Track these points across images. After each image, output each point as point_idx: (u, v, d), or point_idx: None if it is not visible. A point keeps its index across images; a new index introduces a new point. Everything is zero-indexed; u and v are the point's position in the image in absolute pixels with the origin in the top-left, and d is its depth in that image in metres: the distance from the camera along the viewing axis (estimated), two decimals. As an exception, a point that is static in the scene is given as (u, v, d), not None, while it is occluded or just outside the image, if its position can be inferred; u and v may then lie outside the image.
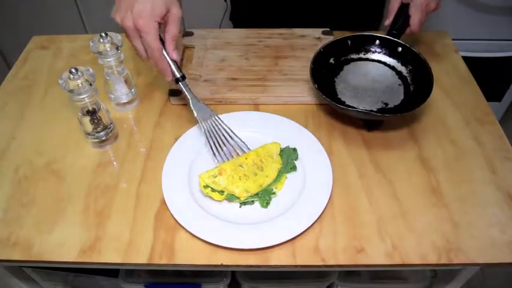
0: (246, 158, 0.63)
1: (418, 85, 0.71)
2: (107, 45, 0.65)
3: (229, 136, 0.64)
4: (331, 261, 0.54)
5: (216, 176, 0.60)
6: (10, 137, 0.69)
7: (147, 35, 0.58)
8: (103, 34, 0.65)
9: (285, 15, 0.88)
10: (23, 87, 0.79)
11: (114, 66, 0.68)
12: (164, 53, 0.61)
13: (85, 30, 1.66)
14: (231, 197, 0.60)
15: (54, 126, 0.71)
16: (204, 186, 0.59)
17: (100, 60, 0.67)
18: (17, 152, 0.67)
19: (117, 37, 0.67)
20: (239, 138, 0.64)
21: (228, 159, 0.63)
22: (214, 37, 0.86)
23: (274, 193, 0.61)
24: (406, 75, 0.74)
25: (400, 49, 0.74)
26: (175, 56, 0.62)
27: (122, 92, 0.72)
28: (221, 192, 0.59)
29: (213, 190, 0.59)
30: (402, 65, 0.74)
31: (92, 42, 0.66)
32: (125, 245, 0.55)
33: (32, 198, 0.61)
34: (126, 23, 0.58)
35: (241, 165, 0.62)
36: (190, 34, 0.87)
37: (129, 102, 0.73)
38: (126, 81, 0.71)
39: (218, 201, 0.60)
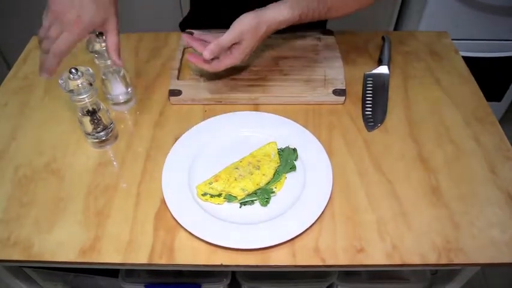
0: (241, 161, 0.63)
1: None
2: (103, 44, 0.65)
3: None
4: (331, 261, 0.53)
5: (212, 183, 0.60)
6: (10, 137, 0.69)
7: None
8: (98, 33, 0.65)
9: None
10: (23, 87, 0.79)
11: (111, 65, 0.68)
12: None
13: (85, 30, 1.65)
14: (230, 198, 0.60)
15: (54, 126, 0.71)
16: (202, 194, 0.60)
17: (96, 60, 0.67)
18: (17, 152, 0.67)
19: None
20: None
21: None
22: (214, 37, 0.86)
23: (273, 192, 0.61)
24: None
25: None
26: (121, 63, 0.63)
27: (119, 92, 0.72)
28: (219, 195, 0.60)
29: (212, 196, 0.60)
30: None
31: (88, 41, 0.66)
32: (125, 245, 0.55)
33: (31, 198, 0.61)
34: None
35: (236, 168, 0.62)
36: (190, 34, 0.86)
37: (126, 102, 0.73)
38: (122, 81, 0.71)
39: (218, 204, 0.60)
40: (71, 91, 0.60)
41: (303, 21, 0.67)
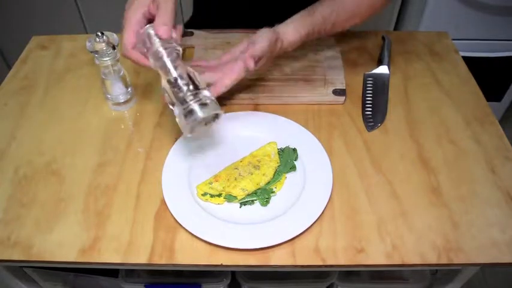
0: (241, 161, 0.63)
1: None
2: (103, 44, 0.65)
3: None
4: (331, 261, 0.54)
5: (212, 183, 0.60)
6: (10, 137, 0.69)
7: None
8: (99, 33, 0.65)
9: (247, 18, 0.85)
10: (23, 87, 0.79)
11: (111, 65, 0.68)
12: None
13: (85, 30, 1.66)
14: (230, 198, 0.60)
15: (54, 126, 0.71)
16: (202, 194, 0.60)
17: (96, 60, 0.67)
18: (17, 152, 0.67)
19: (113, 36, 0.67)
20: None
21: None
22: (214, 37, 0.86)
23: (273, 192, 0.61)
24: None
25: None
26: (162, 31, 0.55)
27: (120, 92, 0.72)
28: (219, 195, 0.60)
29: (212, 196, 0.60)
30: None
31: (89, 41, 0.66)
32: (125, 245, 0.55)
33: (32, 198, 0.61)
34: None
35: (236, 168, 0.62)
36: (190, 34, 0.87)
37: (126, 102, 0.73)
38: (122, 80, 0.71)
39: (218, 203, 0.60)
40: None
41: (309, 40, 0.67)
